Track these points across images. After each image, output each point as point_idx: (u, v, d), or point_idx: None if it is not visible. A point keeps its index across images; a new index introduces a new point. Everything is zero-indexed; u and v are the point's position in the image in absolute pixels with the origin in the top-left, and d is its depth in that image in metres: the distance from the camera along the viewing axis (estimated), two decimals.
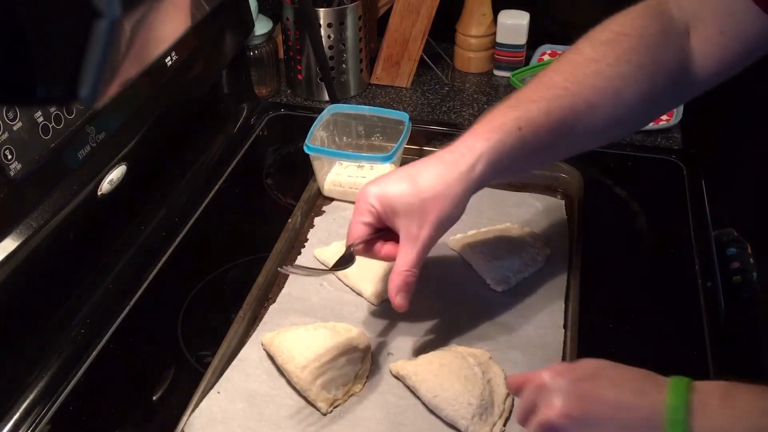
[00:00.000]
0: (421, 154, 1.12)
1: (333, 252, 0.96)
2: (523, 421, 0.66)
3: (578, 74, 0.76)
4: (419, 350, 0.84)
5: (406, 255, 0.76)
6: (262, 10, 1.32)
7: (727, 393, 0.59)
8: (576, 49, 0.79)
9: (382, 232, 0.79)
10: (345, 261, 0.81)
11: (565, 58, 0.79)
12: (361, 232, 0.78)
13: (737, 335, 0.94)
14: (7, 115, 0.71)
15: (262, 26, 1.28)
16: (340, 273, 0.93)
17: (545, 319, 0.88)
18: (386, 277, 0.92)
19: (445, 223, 0.75)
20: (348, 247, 0.80)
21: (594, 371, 0.63)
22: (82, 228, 0.88)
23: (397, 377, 0.82)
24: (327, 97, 1.29)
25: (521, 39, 1.35)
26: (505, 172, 0.78)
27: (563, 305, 0.90)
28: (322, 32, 1.25)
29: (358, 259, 0.92)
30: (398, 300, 0.77)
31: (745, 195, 1.45)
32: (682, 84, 0.79)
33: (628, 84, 0.76)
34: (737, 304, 1.00)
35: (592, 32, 0.79)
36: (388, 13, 1.36)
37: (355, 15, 1.26)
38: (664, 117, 1.24)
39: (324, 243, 0.99)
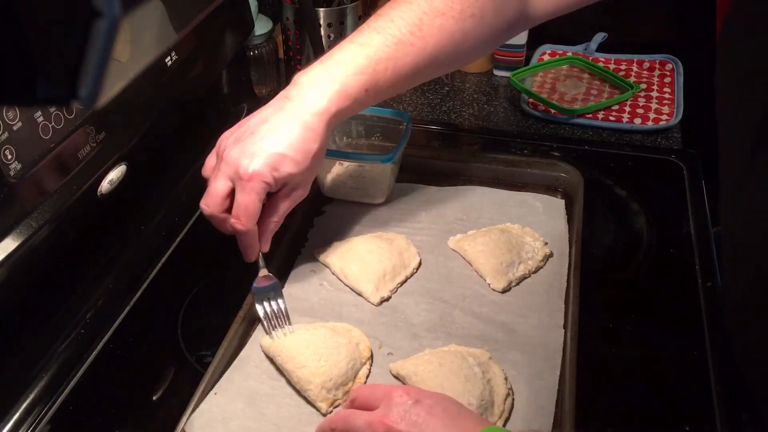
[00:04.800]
0: (421, 154, 1.12)
1: (333, 252, 0.96)
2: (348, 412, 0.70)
3: (424, 27, 0.84)
4: (419, 350, 0.84)
5: (281, 208, 0.87)
6: (262, 10, 1.32)
7: None
8: None
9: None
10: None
11: (413, 3, 0.86)
12: (258, 206, 0.83)
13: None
14: (7, 115, 0.70)
15: (262, 26, 1.28)
16: (339, 273, 0.93)
17: (545, 319, 0.88)
18: (386, 278, 0.92)
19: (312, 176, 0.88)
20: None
21: (433, 406, 0.67)
22: (82, 228, 0.88)
23: (397, 377, 0.82)
24: None
25: (521, 39, 1.35)
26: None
27: (563, 305, 0.90)
28: (322, 32, 1.25)
29: (359, 259, 0.93)
30: (267, 247, 0.88)
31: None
32: (521, 26, 0.92)
33: (469, 38, 0.87)
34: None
35: None
36: None
37: (355, 15, 1.26)
38: (664, 117, 1.24)
39: (324, 243, 0.99)
